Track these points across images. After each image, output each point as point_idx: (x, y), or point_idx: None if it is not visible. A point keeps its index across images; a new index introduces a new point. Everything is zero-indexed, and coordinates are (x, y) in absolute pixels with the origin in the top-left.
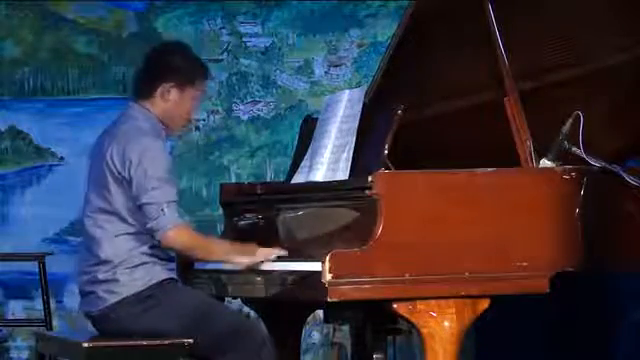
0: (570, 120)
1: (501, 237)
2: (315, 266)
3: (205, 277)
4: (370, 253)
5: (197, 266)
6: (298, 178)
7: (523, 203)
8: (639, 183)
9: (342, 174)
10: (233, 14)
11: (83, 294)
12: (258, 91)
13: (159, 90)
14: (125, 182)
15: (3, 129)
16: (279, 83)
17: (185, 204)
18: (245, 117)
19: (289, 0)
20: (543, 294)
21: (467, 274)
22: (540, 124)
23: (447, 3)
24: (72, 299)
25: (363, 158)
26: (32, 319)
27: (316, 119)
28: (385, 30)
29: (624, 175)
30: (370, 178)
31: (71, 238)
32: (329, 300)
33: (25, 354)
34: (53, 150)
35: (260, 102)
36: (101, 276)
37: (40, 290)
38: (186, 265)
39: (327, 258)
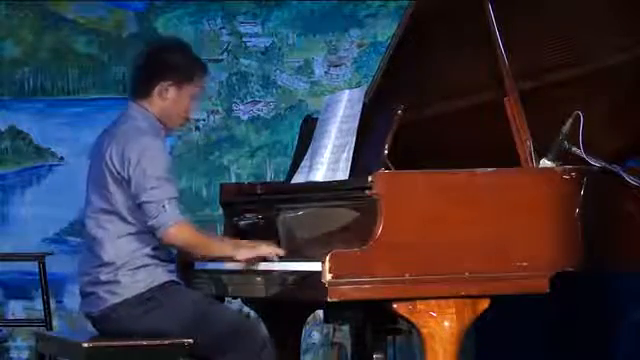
0: (570, 120)
1: (501, 237)
2: (315, 266)
3: (205, 277)
4: (370, 253)
5: (197, 266)
6: (298, 178)
7: (523, 203)
8: (639, 183)
9: (342, 174)
10: (233, 14)
11: (84, 295)
12: (258, 91)
13: (157, 89)
14: (124, 182)
15: (3, 129)
16: (279, 83)
17: (185, 204)
18: (245, 117)
19: (289, 0)
20: (543, 294)
21: (467, 274)
22: (540, 124)
23: (447, 3)
24: (72, 299)
25: (363, 158)
26: (32, 319)
27: (316, 119)
28: (385, 30)
29: (624, 175)
30: (370, 178)
31: (71, 238)
32: (329, 300)
33: (25, 354)
34: (53, 150)
35: (260, 102)
36: (103, 277)
37: (40, 290)
38: (186, 265)
39: (327, 258)
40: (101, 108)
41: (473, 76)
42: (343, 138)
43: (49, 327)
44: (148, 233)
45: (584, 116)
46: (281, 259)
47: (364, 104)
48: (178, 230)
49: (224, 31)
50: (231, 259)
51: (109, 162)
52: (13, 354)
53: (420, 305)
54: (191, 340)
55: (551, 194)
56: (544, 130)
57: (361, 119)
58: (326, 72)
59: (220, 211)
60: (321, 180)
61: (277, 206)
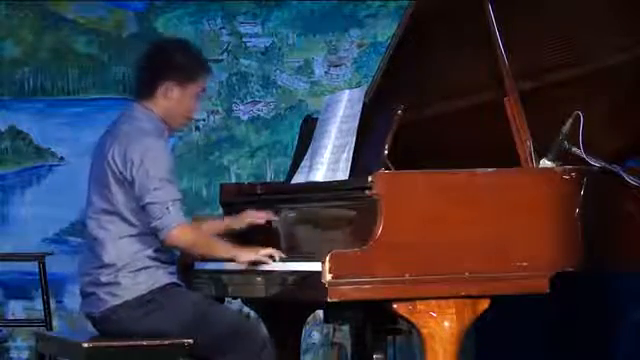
0: (570, 120)
1: (501, 237)
2: (315, 266)
3: (205, 277)
4: (370, 253)
5: (197, 266)
6: (298, 178)
7: (523, 203)
8: (639, 183)
9: (342, 174)
10: (233, 14)
11: (84, 295)
12: (258, 91)
13: (160, 89)
14: (127, 183)
15: (3, 129)
16: (279, 83)
17: (185, 204)
18: (245, 117)
19: (289, 0)
20: (543, 294)
21: (467, 274)
22: (540, 124)
23: (447, 3)
24: (72, 299)
25: (363, 158)
26: (32, 319)
27: (316, 119)
28: (385, 30)
29: (624, 175)
30: (370, 178)
31: (71, 238)
32: (329, 300)
33: (25, 354)
34: (53, 150)
35: (260, 102)
36: (103, 279)
37: (40, 290)
38: (186, 265)
39: (327, 258)
40: (101, 108)
41: (473, 76)
42: (343, 138)
43: (49, 327)
44: (149, 235)
45: (584, 116)
46: (281, 259)
47: (364, 104)
48: (181, 232)
49: (224, 31)
50: (232, 260)
51: (111, 162)
52: (13, 354)
53: (420, 305)
54: (191, 340)
55: (551, 194)
56: (544, 130)
57: (361, 119)
58: (326, 72)
59: (220, 211)
60: (321, 180)
61: (277, 206)
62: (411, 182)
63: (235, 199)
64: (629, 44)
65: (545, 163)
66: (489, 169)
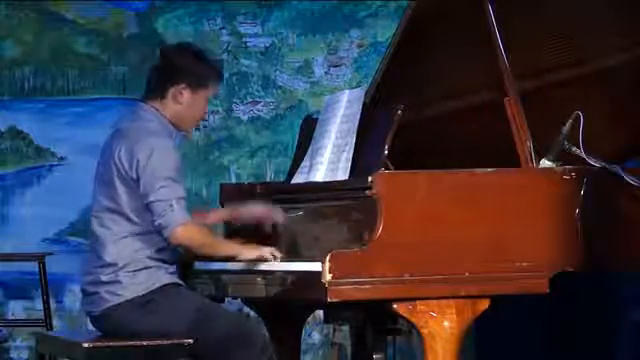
0: (570, 120)
1: (501, 237)
2: (315, 266)
3: (205, 277)
4: (370, 253)
5: (197, 266)
6: (298, 178)
7: (523, 203)
8: (639, 183)
9: (342, 174)
10: (233, 14)
11: (86, 294)
12: (258, 91)
13: (171, 91)
14: (132, 182)
15: (3, 129)
16: (279, 83)
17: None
18: (245, 117)
19: (289, 0)
20: (543, 294)
21: (467, 274)
22: (540, 124)
23: (447, 3)
24: (72, 299)
25: (363, 158)
26: (32, 319)
27: (316, 119)
28: (385, 30)
29: (624, 175)
30: (370, 178)
31: (71, 238)
32: (329, 300)
33: (25, 354)
34: (53, 150)
35: (260, 102)
36: (104, 278)
37: (40, 290)
38: (186, 265)
39: (327, 258)
40: (101, 108)
41: (473, 76)
42: (343, 138)
43: (49, 327)
44: (151, 234)
45: (584, 116)
46: (281, 259)
47: (364, 104)
48: (185, 230)
49: (224, 31)
50: (234, 258)
51: (117, 161)
52: (13, 354)
53: (420, 305)
54: (191, 340)
55: (551, 194)
56: (544, 130)
57: (361, 119)
58: (326, 72)
59: None
60: (321, 180)
61: (277, 206)
62: (411, 182)
63: (235, 199)
64: (629, 44)
65: (545, 163)
66: (489, 169)
